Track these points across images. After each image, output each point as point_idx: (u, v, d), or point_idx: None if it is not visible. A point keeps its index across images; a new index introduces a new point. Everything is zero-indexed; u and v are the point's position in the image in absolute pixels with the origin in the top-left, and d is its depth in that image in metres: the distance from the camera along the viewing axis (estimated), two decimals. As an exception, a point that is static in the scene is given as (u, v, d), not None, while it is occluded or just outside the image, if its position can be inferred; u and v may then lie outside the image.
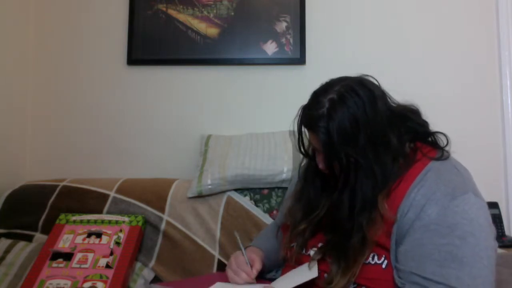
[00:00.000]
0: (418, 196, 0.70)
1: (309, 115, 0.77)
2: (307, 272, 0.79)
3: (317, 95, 0.77)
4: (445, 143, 0.79)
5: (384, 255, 0.72)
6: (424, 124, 0.83)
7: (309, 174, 0.90)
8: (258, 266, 0.89)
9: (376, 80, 0.80)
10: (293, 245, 0.87)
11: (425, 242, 0.67)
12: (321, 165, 0.80)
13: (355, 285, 0.73)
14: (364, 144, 0.72)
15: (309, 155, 0.87)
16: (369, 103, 0.73)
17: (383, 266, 0.72)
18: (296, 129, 0.82)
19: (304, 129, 0.81)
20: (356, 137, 0.72)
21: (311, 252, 0.83)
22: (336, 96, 0.74)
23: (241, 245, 0.93)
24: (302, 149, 0.86)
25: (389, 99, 0.80)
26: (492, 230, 0.69)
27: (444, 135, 0.80)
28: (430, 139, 0.81)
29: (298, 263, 0.85)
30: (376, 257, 0.73)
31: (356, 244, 0.72)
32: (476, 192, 0.71)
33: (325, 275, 0.77)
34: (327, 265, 0.77)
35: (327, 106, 0.73)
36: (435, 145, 0.80)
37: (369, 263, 0.73)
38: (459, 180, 0.72)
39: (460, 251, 0.64)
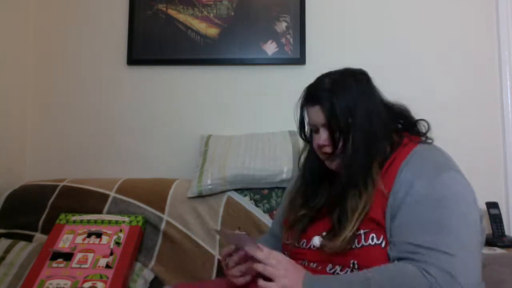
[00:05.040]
0: (407, 174, 0.76)
1: (312, 90, 0.86)
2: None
3: (320, 77, 0.88)
4: (427, 129, 0.87)
5: (382, 235, 0.75)
6: (412, 118, 0.89)
7: (307, 164, 0.95)
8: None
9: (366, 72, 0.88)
10: (289, 242, 0.89)
11: (416, 215, 0.72)
12: (322, 140, 0.84)
13: (356, 266, 0.76)
14: (361, 114, 0.80)
15: (308, 141, 0.94)
16: (367, 84, 0.85)
17: (383, 245, 0.75)
18: (298, 117, 0.90)
19: (305, 113, 0.88)
20: (354, 107, 0.81)
21: (313, 240, 0.83)
22: (337, 75, 0.85)
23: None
24: (302, 134, 0.93)
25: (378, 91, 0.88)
26: (474, 203, 0.74)
27: (426, 122, 0.87)
28: (415, 129, 0.87)
29: (294, 258, 0.83)
30: (375, 238, 0.76)
31: (353, 198, 0.78)
32: (459, 171, 0.78)
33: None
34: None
35: (329, 81, 0.84)
36: (419, 133, 0.87)
37: (369, 244, 0.75)
38: (442, 159, 0.79)
39: (447, 220, 0.70)
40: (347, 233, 0.75)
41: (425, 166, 0.76)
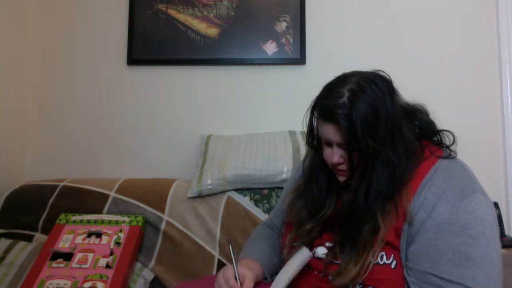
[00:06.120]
0: (429, 194, 0.70)
1: (327, 104, 0.74)
2: (299, 256, 0.79)
3: (334, 86, 0.76)
4: (452, 142, 0.80)
5: (393, 255, 0.72)
6: (431, 123, 0.83)
7: (313, 172, 0.88)
8: (248, 283, 0.79)
9: (388, 75, 0.79)
10: (296, 244, 0.85)
11: (438, 242, 0.67)
12: (337, 158, 0.76)
13: (361, 286, 0.73)
14: (383, 134, 0.72)
15: (318, 150, 0.84)
16: (388, 94, 0.74)
17: (392, 266, 0.71)
18: (307, 122, 0.81)
19: (315, 124, 0.80)
20: (376, 127, 0.71)
21: (317, 250, 0.82)
22: (356, 86, 0.73)
23: (233, 258, 0.82)
24: (312, 143, 0.84)
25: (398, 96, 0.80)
26: (498, 230, 0.70)
27: (451, 133, 0.81)
28: (436, 138, 0.81)
29: None
30: (385, 257, 0.72)
31: (367, 232, 0.72)
32: (483, 191, 0.72)
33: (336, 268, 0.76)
34: (336, 266, 0.76)
35: (348, 95, 0.72)
36: (440, 144, 0.80)
37: (378, 263, 0.72)
38: (467, 179, 0.73)
39: (473, 250, 0.65)
40: (358, 268, 0.70)
41: (448, 187, 0.70)
